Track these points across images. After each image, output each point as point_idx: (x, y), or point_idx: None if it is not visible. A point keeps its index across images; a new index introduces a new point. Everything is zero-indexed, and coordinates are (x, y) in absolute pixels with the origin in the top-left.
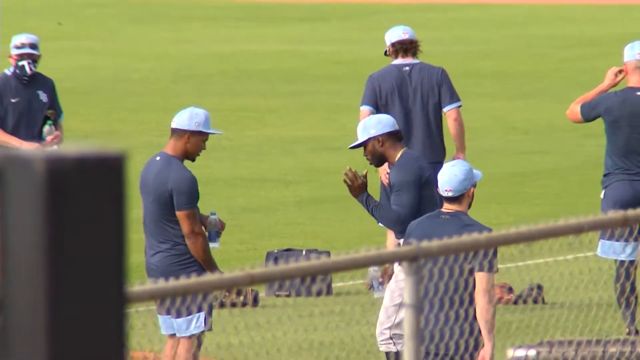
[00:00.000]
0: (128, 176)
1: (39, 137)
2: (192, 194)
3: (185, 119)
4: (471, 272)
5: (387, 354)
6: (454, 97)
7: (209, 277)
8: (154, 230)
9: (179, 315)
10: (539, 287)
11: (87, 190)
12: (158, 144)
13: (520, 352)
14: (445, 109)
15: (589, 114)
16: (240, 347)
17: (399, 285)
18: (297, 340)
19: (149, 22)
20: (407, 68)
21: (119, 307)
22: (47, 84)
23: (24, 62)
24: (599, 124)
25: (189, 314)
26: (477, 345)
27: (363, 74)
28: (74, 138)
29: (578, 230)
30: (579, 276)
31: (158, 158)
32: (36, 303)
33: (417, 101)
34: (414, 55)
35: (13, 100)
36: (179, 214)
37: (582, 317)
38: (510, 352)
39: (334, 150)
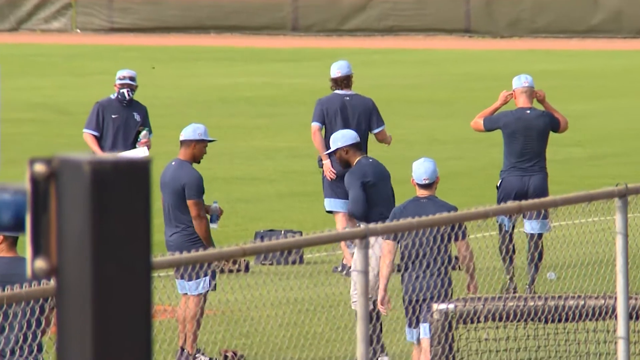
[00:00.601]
0: (152, 176)
1: (133, 145)
2: (198, 188)
3: (190, 131)
4: (443, 240)
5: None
6: (380, 121)
7: (211, 251)
8: (171, 217)
9: (190, 279)
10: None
11: (122, 187)
12: (174, 152)
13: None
14: (375, 131)
15: (490, 126)
16: (235, 302)
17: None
18: (278, 297)
19: (167, 62)
20: (348, 98)
21: (145, 272)
22: (141, 109)
23: (124, 90)
24: (499, 136)
25: (197, 277)
26: (447, 295)
27: None
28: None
29: (484, 215)
30: (485, 249)
31: (173, 163)
32: (83, 270)
33: (354, 122)
34: (348, 86)
35: (113, 117)
36: (189, 202)
37: (488, 280)
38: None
39: (305, 157)
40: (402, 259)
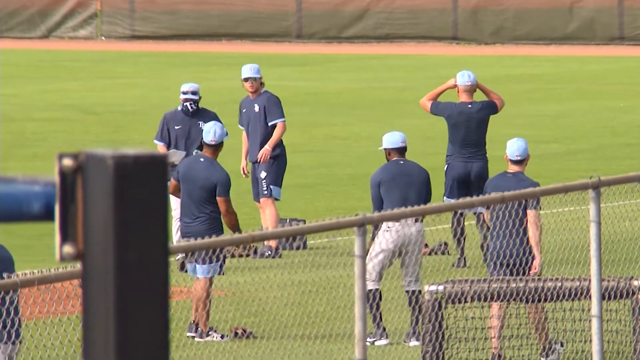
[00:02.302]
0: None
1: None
2: (228, 187)
3: (220, 134)
4: (524, 210)
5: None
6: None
7: (223, 237)
8: (195, 207)
9: (203, 262)
10: (445, 244)
11: (142, 179)
12: None
13: (433, 287)
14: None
15: (435, 112)
16: (245, 284)
17: (385, 236)
18: (283, 279)
19: (183, 66)
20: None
21: (162, 256)
22: (208, 115)
23: (187, 104)
24: (495, 135)
25: (210, 262)
26: (527, 262)
27: (326, 101)
28: (133, 145)
29: (470, 205)
30: (471, 236)
31: (202, 160)
32: (106, 254)
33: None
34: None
35: (176, 127)
36: (220, 199)
37: (474, 263)
38: (426, 287)
39: (307, 153)
40: (489, 228)
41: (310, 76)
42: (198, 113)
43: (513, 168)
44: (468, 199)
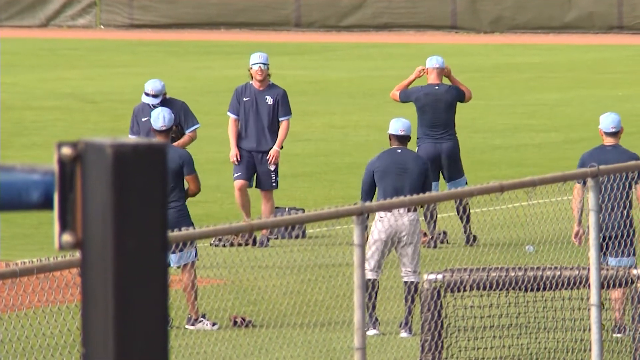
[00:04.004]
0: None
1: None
2: (193, 163)
3: (168, 120)
4: (630, 186)
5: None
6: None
7: (225, 226)
8: None
9: (174, 251)
10: (445, 233)
11: (140, 168)
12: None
13: (432, 276)
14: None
15: (404, 99)
16: (244, 272)
17: (378, 226)
18: (282, 268)
19: (182, 55)
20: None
21: (161, 245)
22: (175, 106)
23: (149, 104)
24: (480, 123)
25: (181, 250)
26: (629, 234)
27: (325, 90)
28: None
29: (469, 194)
30: (475, 223)
31: None
32: (105, 243)
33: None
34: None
35: (143, 119)
36: (191, 177)
37: (473, 252)
38: (425, 276)
39: (305, 141)
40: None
41: (308, 65)
42: (165, 103)
43: (609, 141)
44: (467, 188)
